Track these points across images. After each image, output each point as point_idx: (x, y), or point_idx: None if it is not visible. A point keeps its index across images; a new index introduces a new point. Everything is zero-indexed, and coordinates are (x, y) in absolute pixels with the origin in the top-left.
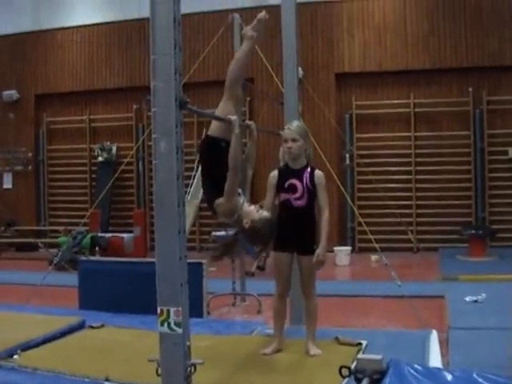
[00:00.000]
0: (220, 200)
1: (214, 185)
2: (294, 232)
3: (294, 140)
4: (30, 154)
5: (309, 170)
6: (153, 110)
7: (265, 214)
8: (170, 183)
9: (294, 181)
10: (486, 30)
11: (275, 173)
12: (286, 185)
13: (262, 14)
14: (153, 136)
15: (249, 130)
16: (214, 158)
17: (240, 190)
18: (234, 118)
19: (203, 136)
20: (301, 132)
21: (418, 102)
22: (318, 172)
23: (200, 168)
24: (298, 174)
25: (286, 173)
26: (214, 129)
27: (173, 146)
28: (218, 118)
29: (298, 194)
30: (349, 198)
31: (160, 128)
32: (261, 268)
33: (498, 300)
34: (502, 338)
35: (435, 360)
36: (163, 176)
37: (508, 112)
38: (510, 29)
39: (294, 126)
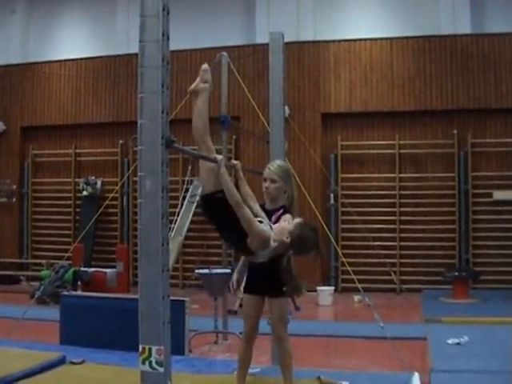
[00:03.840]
0: (249, 239)
1: (235, 232)
2: (262, 274)
3: (272, 181)
4: (15, 186)
5: (280, 212)
6: (139, 148)
7: (296, 220)
8: (154, 222)
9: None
10: (471, 73)
11: None
12: None
13: (205, 65)
14: (138, 174)
15: (234, 170)
16: (218, 211)
17: (260, 219)
18: (220, 157)
19: (199, 200)
20: (280, 173)
21: (403, 143)
22: (286, 216)
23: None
24: (268, 215)
25: None
26: (204, 186)
27: (158, 185)
28: (204, 158)
29: None
30: (332, 238)
31: (146, 166)
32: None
33: (480, 343)
34: (485, 382)
35: None
36: (148, 215)
37: (492, 154)
38: (494, 72)
39: (274, 166)
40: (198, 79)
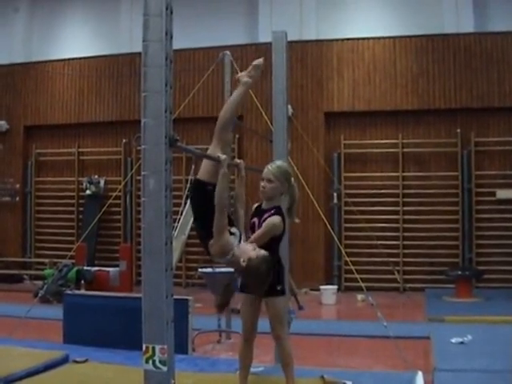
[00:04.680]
0: (211, 241)
1: (204, 227)
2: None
3: (268, 180)
4: (18, 186)
5: (271, 212)
6: (142, 147)
7: (262, 252)
8: (158, 221)
9: (256, 220)
10: (474, 71)
11: (253, 207)
12: (251, 223)
13: (259, 61)
14: (142, 173)
15: (237, 169)
16: (201, 202)
17: (235, 230)
18: (223, 157)
19: (192, 179)
20: (277, 174)
21: (407, 142)
22: (273, 217)
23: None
24: (262, 214)
25: (256, 211)
26: (203, 173)
27: (162, 184)
28: (207, 157)
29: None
30: (335, 237)
31: (149, 165)
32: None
33: (484, 342)
34: (488, 381)
35: None
36: (151, 214)
37: (496, 153)
38: (498, 71)
39: (273, 166)
40: (247, 71)
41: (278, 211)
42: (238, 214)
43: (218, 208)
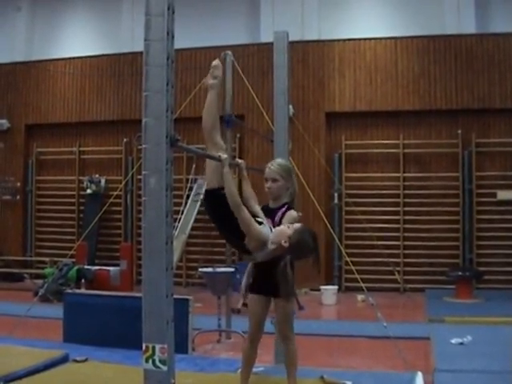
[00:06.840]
0: (246, 240)
1: (232, 230)
2: (268, 274)
3: (274, 180)
4: (19, 184)
5: (284, 209)
6: (143, 146)
7: (296, 225)
8: (158, 221)
9: (267, 220)
10: (475, 72)
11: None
12: None
13: (216, 61)
14: (143, 172)
15: (238, 169)
16: (219, 208)
17: (260, 219)
18: (224, 156)
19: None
20: (281, 172)
21: (408, 142)
22: (290, 212)
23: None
24: (272, 214)
25: (264, 212)
26: (209, 182)
27: (162, 183)
28: (208, 156)
29: None
30: (336, 237)
31: (150, 165)
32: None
33: (484, 343)
34: (488, 382)
35: None
36: (152, 213)
37: (497, 154)
38: (499, 72)
39: (274, 165)
40: (209, 75)
41: (290, 207)
42: (254, 210)
43: (234, 205)
